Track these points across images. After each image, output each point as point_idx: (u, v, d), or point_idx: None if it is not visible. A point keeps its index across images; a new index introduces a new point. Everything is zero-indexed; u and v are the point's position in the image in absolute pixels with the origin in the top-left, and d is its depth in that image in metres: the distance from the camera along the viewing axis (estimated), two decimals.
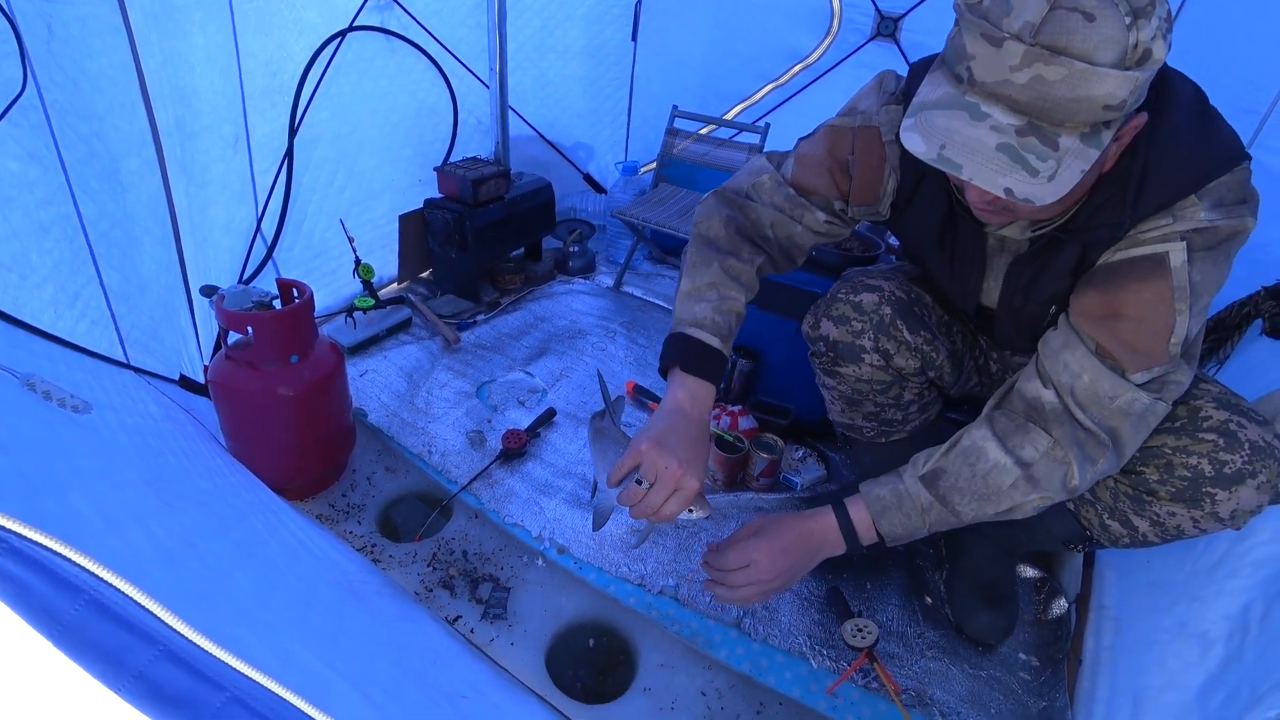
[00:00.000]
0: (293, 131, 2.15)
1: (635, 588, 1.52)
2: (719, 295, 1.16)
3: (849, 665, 1.37)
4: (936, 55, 0.93)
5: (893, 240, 2.16)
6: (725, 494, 1.80)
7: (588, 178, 3.38)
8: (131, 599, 0.49)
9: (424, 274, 2.79)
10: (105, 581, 0.49)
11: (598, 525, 1.16)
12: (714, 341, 1.13)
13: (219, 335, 1.56)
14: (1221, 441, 1.03)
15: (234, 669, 0.50)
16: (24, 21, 1.23)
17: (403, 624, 1.32)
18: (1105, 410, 0.98)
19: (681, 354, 1.12)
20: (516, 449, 1.86)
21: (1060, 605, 1.52)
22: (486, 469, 1.82)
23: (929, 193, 1.14)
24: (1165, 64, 0.83)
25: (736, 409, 1.91)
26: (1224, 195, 0.92)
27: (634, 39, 3.18)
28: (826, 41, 2.92)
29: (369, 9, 2.25)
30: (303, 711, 0.51)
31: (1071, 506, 1.24)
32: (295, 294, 1.60)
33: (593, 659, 1.45)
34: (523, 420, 2.01)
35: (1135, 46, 0.76)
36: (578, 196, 3.34)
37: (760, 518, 1.17)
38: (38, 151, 1.27)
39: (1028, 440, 1.02)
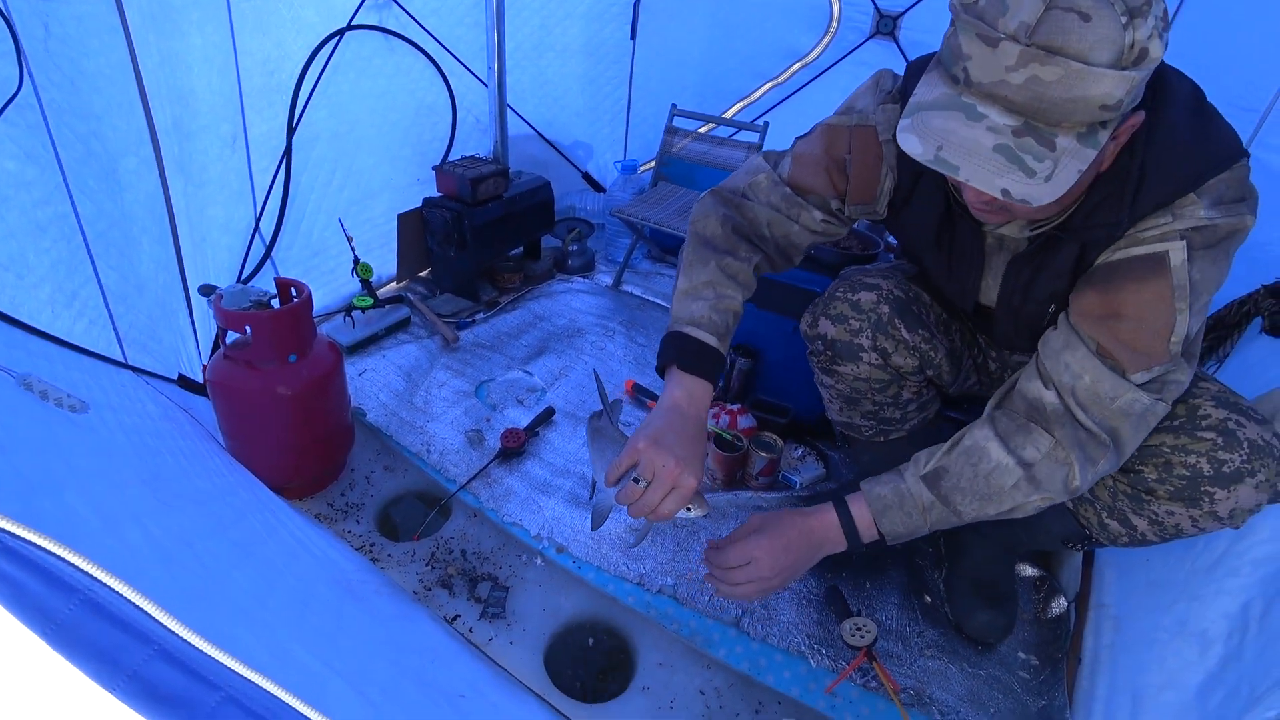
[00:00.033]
0: (291, 131, 2.15)
1: (634, 587, 1.52)
2: (716, 294, 1.15)
3: (848, 664, 1.37)
4: (934, 54, 0.93)
5: (891, 239, 2.16)
6: (724, 493, 1.80)
7: (586, 176, 3.38)
8: (126, 598, 0.49)
9: (423, 273, 2.79)
10: (100, 581, 0.49)
11: (596, 524, 1.16)
12: (711, 340, 1.13)
13: (217, 335, 1.56)
14: (1220, 440, 1.03)
15: (229, 668, 0.50)
16: (20, 20, 1.23)
17: (401, 623, 1.32)
18: (1106, 410, 0.98)
19: (679, 352, 1.12)
20: (515, 448, 1.86)
21: (1059, 604, 1.52)
22: (485, 468, 1.82)
23: (926, 192, 1.14)
24: (1162, 62, 0.83)
25: (735, 408, 1.91)
26: (1223, 193, 0.92)
27: (633, 37, 3.18)
28: (825, 40, 2.92)
29: (367, 8, 2.24)
30: (299, 711, 0.51)
31: (1070, 505, 1.24)
32: (293, 293, 1.60)
33: (591, 658, 1.45)
34: (521, 419, 2.01)
35: (1132, 46, 0.76)
36: (576, 195, 3.34)
37: (760, 515, 1.17)
38: (34, 151, 1.27)
39: (1029, 441, 1.02)
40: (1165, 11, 0.79)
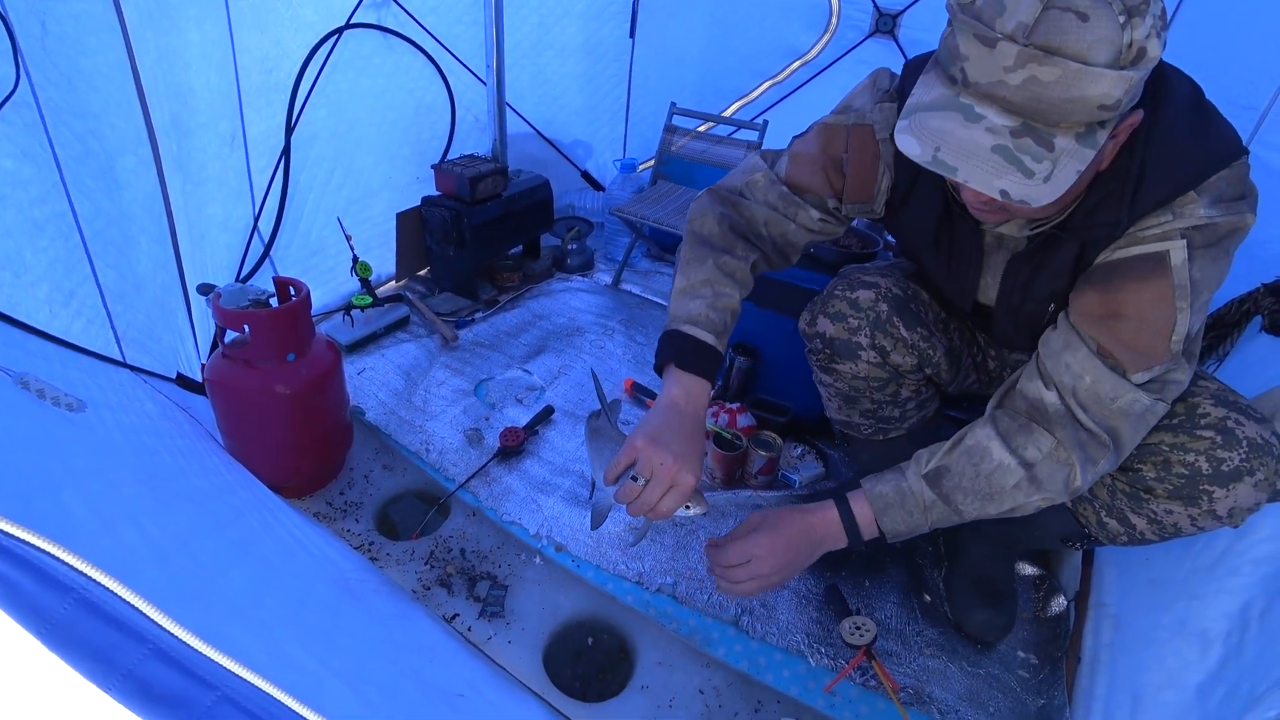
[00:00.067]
0: (289, 129, 2.15)
1: (633, 585, 1.52)
2: (713, 292, 1.15)
3: (847, 663, 1.37)
4: (932, 53, 0.93)
5: (890, 237, 2.16)
6: (723, 492, 1.80)
7: (586, 175, 3.37)
8: (121, 598, 0.49)
9: (422, 272, 2.79)
10: (94, 580, 0.49)
11: (596, 524, 1.16)
12: (709, 338, 1.12)
13: (216, 333, 1.56)
14: (1219, 439, 1.03)
15: (225, 668, 0.50)
16: (17, 19, 1.23)
17: (400, 622, 1.32)
18: (1106, 410, 0.98)
19: (676, 351, 1.12)
20: (514, 447, 1.86)
21: (1059, 603, 1.52)
22: (484, 467, 1.81)
23: (924, 191, 1.14)
24: (1161, 60, 0.82)
25: (735, 406, 1.91)
26: (1223, 191, 0.92)
27: (632, 36, 3.18)
28: (825, 38, 2.92)
29: (365, 6, 2.24)
30: (295, 711, 0.51)
31: (1069, 504, 1.24)
32: (292, 292, 1.60)
33: (590, 657, 1.44)
34: (521, 418, 2.00)
35: (1130, 46, 0.76)
36: (576, 194, 3.34)
37: (761, 512, 1.17)
38: (31, 149, 1.27)
39: (1031, 441, 1.02)
40: (1163, 10, 0.79)
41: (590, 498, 1.71)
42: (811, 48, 2.96)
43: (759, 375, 2.05)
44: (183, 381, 1.78)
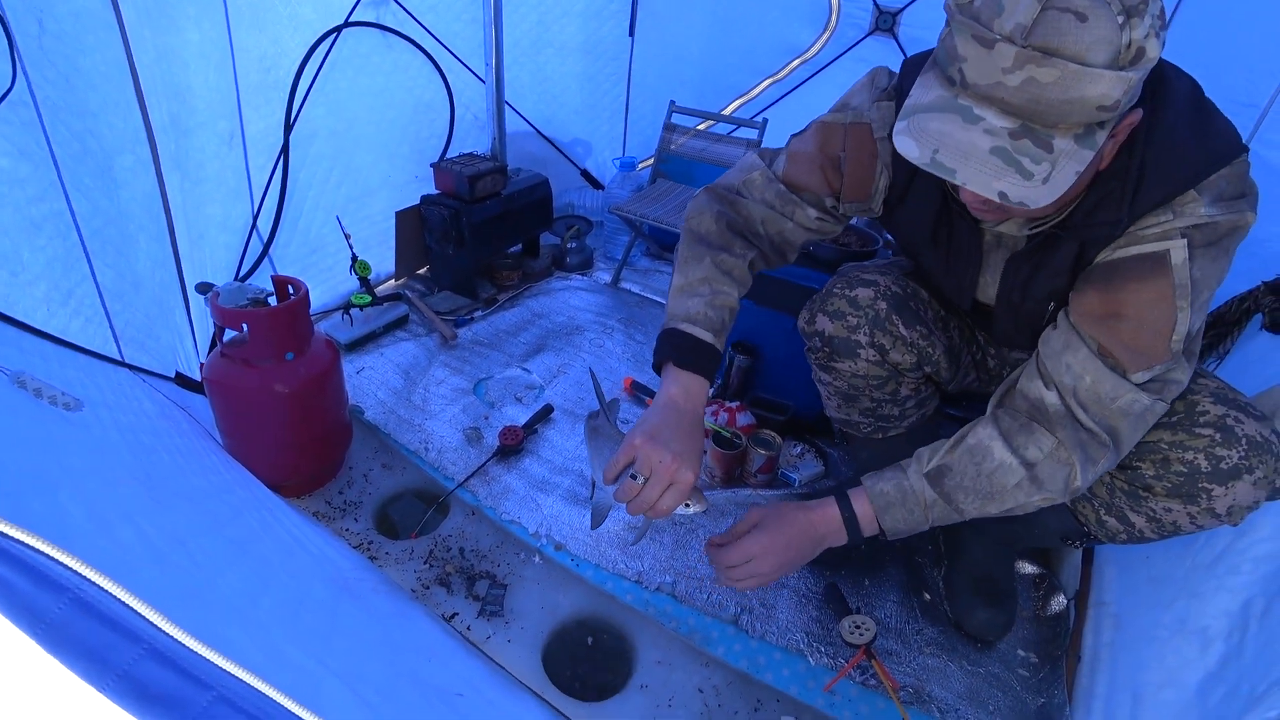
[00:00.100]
0: (288, 128, 2.14)
1: (632, 584, 1.52)
2: (711, 290, 1.15)
3: (847, 662, 1.37)
4: (930, 51, 0.92)
5: (889, 236, 2.15)
6: (723, 490, 1.80)
7: (585, 174, 3.37)
8: (115, 597, 0.49)
9: (421, 270, 2.78)
10: (89, 580, 0.49)
11: (596, 523, 1.15)
12: (707, 336, 1.12)
13: (215, 332, 1.55)
14: (1218, 436, 1.03)
15: (220, 668, 0.50)
16: (14, 17, 1.22)
17: (398, 621, 1.32)
18: (1106, 410, 0.98)
19: (674, 349, 1.12)
20: (513, 446, 1.86)
21: (1059, 601, 1.52)
22: (483, 466, 1.81)
23: (922, 189, 1.13)
24: (1160, 58, 0.82)
25: (734, 405, 1.90)
26: (1223, 189, 0.92)
27: (631, 34, 3.17)
28: (825, 36, 2.91)
29: (364, 4, 2.24)
30: (291, 711, 0.50)
31: (1069, 503, 1.23)
32: (291, 291, 1.60)
33: (590, 656, 1.44)
34: (520, 417, 2.00)
35: (1129, 46, 0.75)
36: (575, 192, 3.33)
37: (761, 508, 1.16)
38: (28, 148, 1.27)
39: (1032, 440, 1.02)
40: (1162, 10, 0.79)
41: (591, 497, 1.71)
42: (811, 45, 2.95)
43: (758, 374, 2.04)
44: (181, 380, 1.78)
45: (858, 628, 1.38)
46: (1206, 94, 0.95)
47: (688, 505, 1.05)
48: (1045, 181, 0.81)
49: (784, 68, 3.04)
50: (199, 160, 1.87)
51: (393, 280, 2.71)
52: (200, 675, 0.48)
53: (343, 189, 2.40)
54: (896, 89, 1.11)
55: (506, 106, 2.69)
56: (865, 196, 1.18)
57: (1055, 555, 1.63)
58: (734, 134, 2.86)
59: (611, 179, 3.22)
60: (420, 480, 1.81)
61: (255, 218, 2.14)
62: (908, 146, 0.86)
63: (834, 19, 2.86)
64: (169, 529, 0.86)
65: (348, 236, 2.32)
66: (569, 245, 2.96)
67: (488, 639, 1.41)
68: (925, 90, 0.87)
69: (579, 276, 2.93)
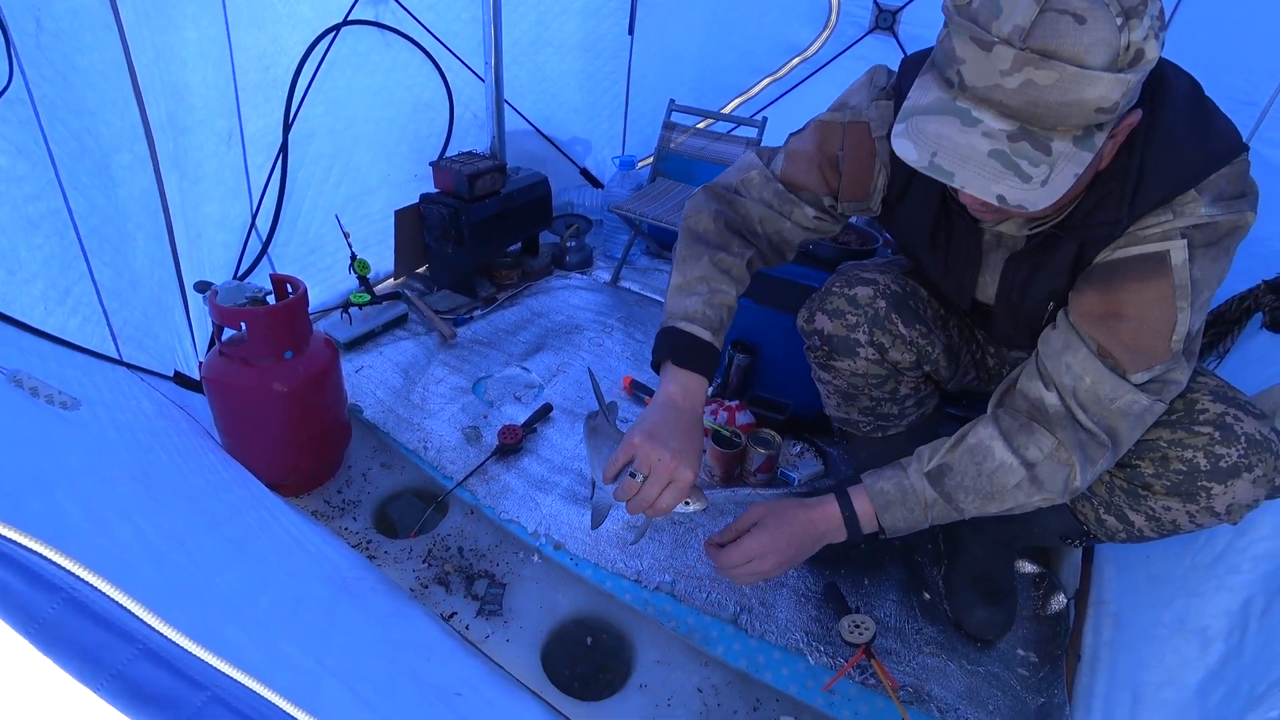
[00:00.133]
0: (287, 127, 2.14)
1: (631, 584, 1.52)
2: (709, 289, 1.15)
3: (846, 661, 1.37)
4: (929, 50, 0.92)
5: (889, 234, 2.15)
6: (722, 489, 1.79)
7: (584, 172, 3.37)
8: (109, 597, 0.49)
9: (420, 269, 2.78)
10: (83, 580, 0.48)
11: (596, 523, 1.15)
12: (705, 334, 1.12)
13: (213, 331, 1.55)
14: (1218, 435, 1.03)
15: (215, 668, 0.49)
16: (11, 15, 1.22)
17: (397, 620, 1.31)
18: (1105, 411, 0.98)
19: (672, 348, 1.12)
20: (512, 445, 1.86)
21: (1059, 600, 1.52)
22: (482, 465, 1.81)
23: (921, 189, 1.13)
24: (1160, 56, 0.82)
25: (734, 404, 1.90)
26: (1223, 189, 0.91)
27: (630, 33, 3.17)
28: (824, 35, 2.91)
29: (363, 3, 2.24)
30: (285, 711, 0.50)
31: (1068, 501, 1.23)
32: (289, 289, 1.59)
33: (589, 655, 1.44)
34: (519, 416, 2.00)
35: (1127, 48, 0.75)
36: (574, 191, 3.33)
37: (761, 505, 1.16)
38: (26, 146, 1.26)
39: (1032, 440, 1.02)
40: (1161, 10, 0.78)
41: (591, 497, 1.71)
42: (811, 44, 2.95)
43: (758, 372, 2.04)
44: (180, 379, 1.77)
45: (857, 627, 1.38)
46: (1206, 92, 0.94)
47: (687, 503, 1.05)
48: (1044, 184, 0.81)
49: (784, 66, 3.04)
50: (197, 159, 1.87)
51: (392, 279, 2.71)
52: (195, 675, 0.48)
53: (342, 188, 2.40)
54: (895, 88, 1.11)
55: (506, 105, 2.68)
56: (863, 195, 1.17)
57: (1055, 554, 1.63)
58: (733, 132, 2.86)
59: (611, 177, 3.21)
60: (419, 479, 1.81)
61: (254, 216, 2.14)
62: (906, 149, 0.86)
63: (834, 17, 2.86)
64: (167, 528, 0.86)
65: (347, 235, 2.32)
66: (568, 244, 2.96)
67: (486, 638, 1.41)
68: (923, 92, 0.87)
69: (578, 275, 2.92)
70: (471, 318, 2.51)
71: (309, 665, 0.76)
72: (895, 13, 2.72)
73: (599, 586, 1.51)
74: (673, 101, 2.85)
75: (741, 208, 1.23)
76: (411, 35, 2.44)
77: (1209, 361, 1.55)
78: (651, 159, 2.96)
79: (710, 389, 1.12)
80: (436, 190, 2.53)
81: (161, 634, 0.49)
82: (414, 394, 2.07)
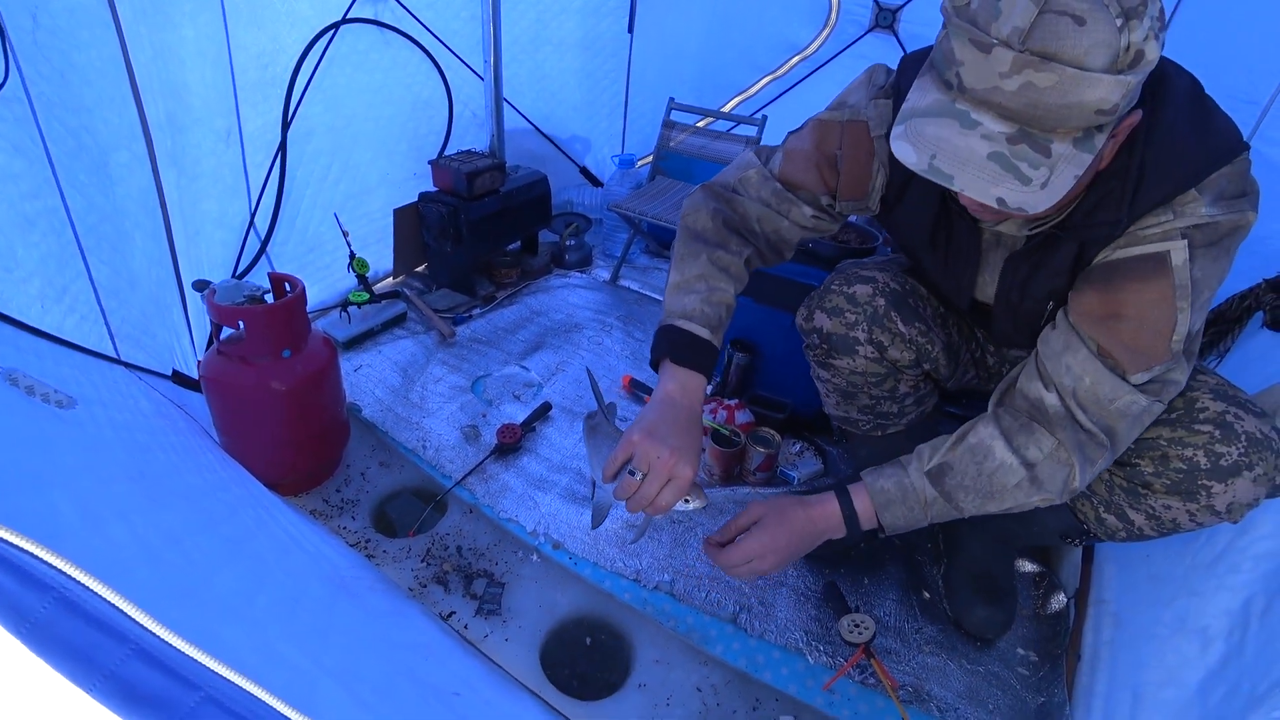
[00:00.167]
0: (286, 125, 2.13)
1: (630, 583, 1.52)
2: (708, 287, 1.15)
3: (846, 661, 1.36)
4: (928, 49, 0.92)
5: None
6: (722, 488, 1.79)
7: (584, 171, 3.36)
8: (102, 597, 0.48)
9: (419, 268, 2.78)
10: (75, 579, 0.48)
11: (596, 523, 1.15)
12: (703, 333, 1.12)
13: (212, 330, 1.55)
14: (1218, 433, 1.02)
15: (208, 668, 0.49)
16: (7, 12, 1.21)
17: (395, 620, 1.31)
18: (1104, 411, 0.98)
19: (671, 346, 1.11)
20: (511, 444, 1.85)
21: (1059, 600, 1.51)
22: (481, 464, 1.81)
23: (920, 188, 1.13)
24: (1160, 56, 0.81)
25: (733, 403, 1.90)
26: (1224, 188, 0.91)
27: (630, 31, 3.16)
28: (824, 33, 2.91)
29: (362, 1, 2.23)
30: (279, 712, 0.50)
31: (1067, 501, 1.23)
32: (287, 288, 1.59)
33: (588, 654, 1.44)
34: (518, 415, 1.99)
35: (1127, 49, 0.75)
36: (574, 190, 3.32)
37: (761, 503, 1.16)
38: (22, 144, 1.26)
39: (1032, 440, 1.01)
40: (1161, 10, 0.78)
41: (591, 497, 1.70)
42: (811, 43, 2.94)
43: (757, 371, 2.04)
44: (178, 378, 1.77)
45: (857, 626, 1.37)
46: (1207, 91, 0.94)
47: (687, 501, 1.05)
48: (1044, 186, 0.80)
49: (783, 65, 3.04)
50: (195, 157, 1.86)
51: (391, 278, 2.71)
52: (188, 675, 0.48)
53: (340, 186, 2.39)
54: (894, 86, 1.10)
55: (505, 103, 2.68)
56: (862, 195, 1.17)
57: (1055, 553, 1.63)
58: (733, 131, 2.86)
59: (610, 176, 3.21)
60: (418, 478, 1.81)
61: (252, 215, 2.13)
62: (905, 152, 0.85)
63: (834, 16, 2.86)
64: (164, 527, 0.86)
65: (345, 234, 2.31)
66: (568, 243, 2.95)
67: (485, 638, 1.41)
68: (922, 94, 0.86)
69: (578, 274, 2.92)
70: (470, 316, 2.50)
71: (306, 665, 0.76)
72: (895, 11, 2.72)
73: (598, 586, 1.51)
74: (672, 100, 2.84)
75: (739, 206, 1.22)
76: (410, 33, 2.44)
77: (1209, 360, 1.55)
78: (651, 157, 2.96)
79: (709, 387, 1.12)
80: (435, 189, 2.52)
81: (154, 634, 0.48)
82: (413, 393, 2.07)
